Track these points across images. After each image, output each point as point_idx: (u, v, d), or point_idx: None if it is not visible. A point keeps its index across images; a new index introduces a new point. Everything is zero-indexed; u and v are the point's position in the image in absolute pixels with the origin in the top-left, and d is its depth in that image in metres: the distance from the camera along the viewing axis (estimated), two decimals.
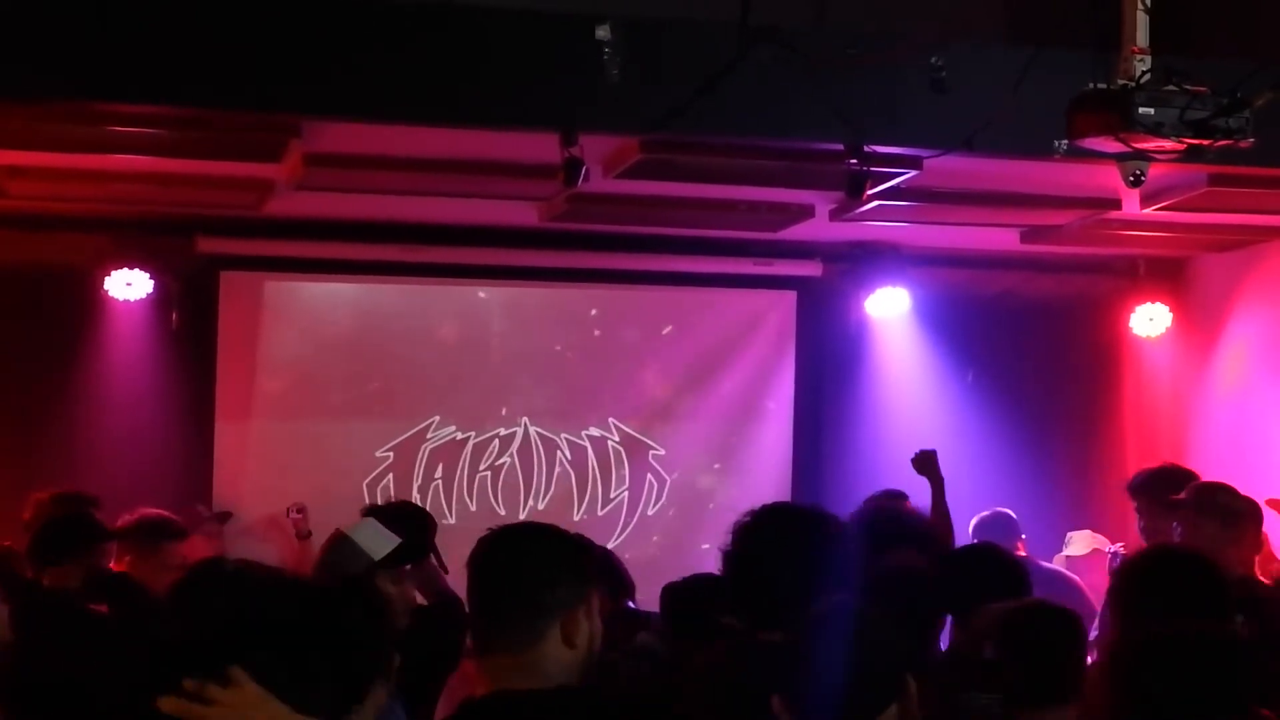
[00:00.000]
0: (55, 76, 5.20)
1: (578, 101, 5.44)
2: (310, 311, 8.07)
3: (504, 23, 5.52)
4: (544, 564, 2.90)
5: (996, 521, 7.00)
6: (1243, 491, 6.09)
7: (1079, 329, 8.82)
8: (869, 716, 2.90)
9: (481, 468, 8.25)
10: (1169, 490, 5.88)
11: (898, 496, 6.25)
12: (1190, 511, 5.54)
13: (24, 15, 5.11)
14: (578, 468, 8.36)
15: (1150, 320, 8.61)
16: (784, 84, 5.48)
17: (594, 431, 8.38)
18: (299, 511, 7.51)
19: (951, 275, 8.58)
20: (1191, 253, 8.49)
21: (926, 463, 6.34)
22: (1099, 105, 4.12)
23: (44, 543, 5.35)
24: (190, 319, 7.83)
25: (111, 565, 5.89)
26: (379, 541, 4.49)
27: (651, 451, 8.42)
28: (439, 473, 8.18)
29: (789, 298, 8.56)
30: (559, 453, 8.34)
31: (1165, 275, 8.67)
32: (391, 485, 8.07)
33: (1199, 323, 8.54)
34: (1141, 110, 4.01)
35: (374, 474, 8.07)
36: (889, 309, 8.46)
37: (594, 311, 8.45)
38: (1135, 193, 6.26)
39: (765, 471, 8.51)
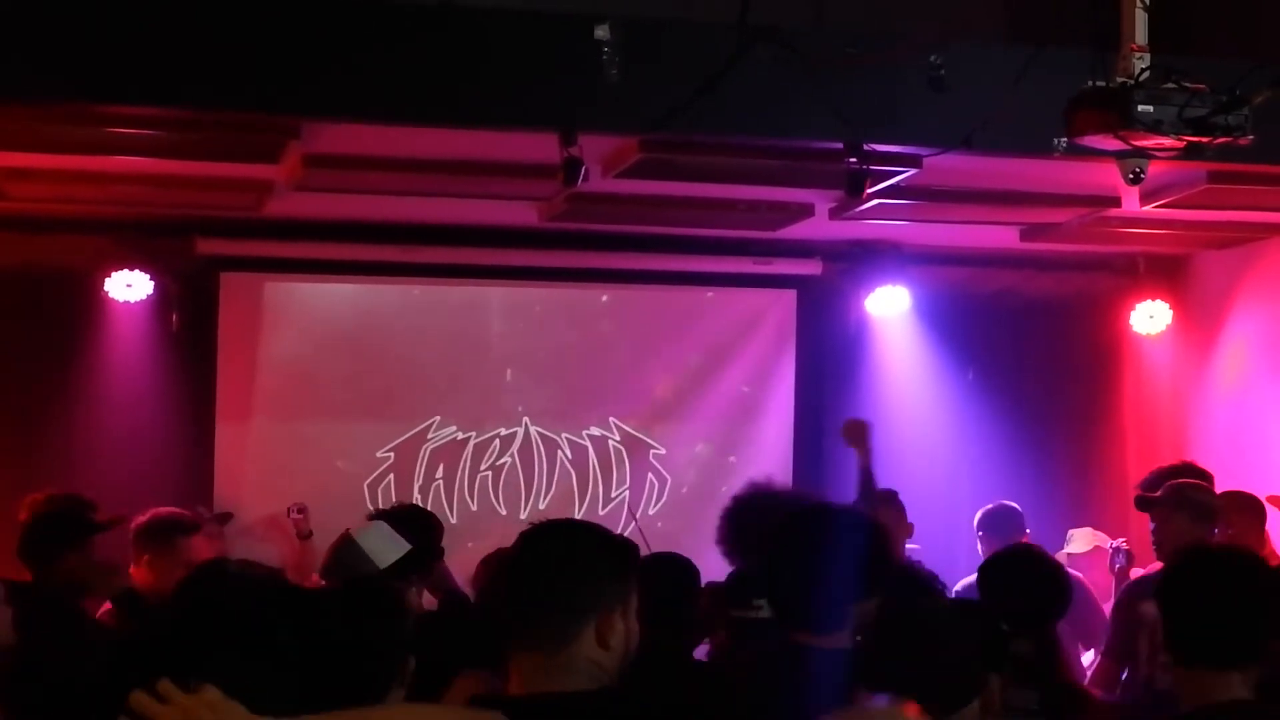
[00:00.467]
0: (55, 78, 5.20)
1: (577, 101, 5.44)
2: (310, 312, 8.07)
3: (503, 23, 5.52)
4: (581, 562, 2.85)
5: (1000, 514, 6.97)
6: (1243, 489, 6.11)
7: (1079, 327, 8.82)
8: (949, 713, 2.87)
9: (482, 468, 8.25)
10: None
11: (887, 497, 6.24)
12: (1162, 509, 5.59)
13: (23, 16, 5.11)
14: (578, 467, 8.35)
15: (1150, 318, 8.61)
16: (783, 83, 5.48)
17: (595, 431, 8.38)
18: (300, 512, 7.51)
19: (951, 273, 8.58)
20: (1191, 250, 8.49)
21: (855, 431, 6.32)
22: (1098, 103, 4.12)
23: (32, 541, 5.36)
24: (190, 320, 7.83)
25: (131, 569, 5.94)
26: (387, 547, 4.49)
27: (652, 451, 8.42)
28: (440, 473, 8.18)
29: (789, 296, 8.56)
30: (560, 452, 8.34)
31: (1165, 273, 8.67)
32: (392, 485, 8.07)
33: (1199, 320, 8.54)
34: (1141, 108, 4.01)
35: (375, 474, 8.07)
36: (889, 307, 8.46)
37: (594, 311, 8.45)
38: (1135, 190, 6.27)
39: (766, 470, 8.46)
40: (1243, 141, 4.10)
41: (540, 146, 5.58)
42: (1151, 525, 5.69)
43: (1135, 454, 8.67)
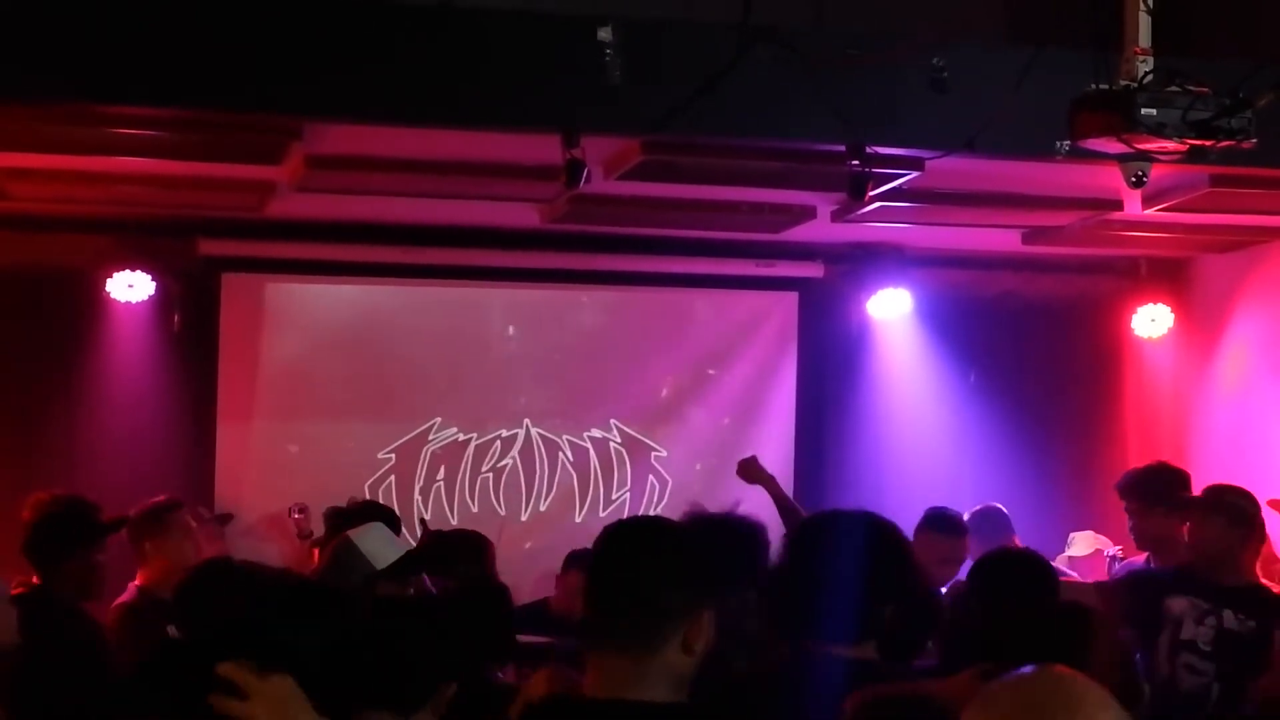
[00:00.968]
0: (57, 78, 5.20)
1: (579, 103, 5.44)
2: (311, 313, 8.07)
3: (505, 24, 5.52)
4: (676, 564, 2.73)
5: (987, 516, 6.91)
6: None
7: (1080, 330, 8.81)
8: None
9: (483, 469, 8.25)
10: (1159, 490, 5.90)
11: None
12: (1199, 510, 5.57)
13: (25, 17, 5.11)
14: (579, 469, 8.35)
15: (1152, 321, 8.60)
16: (785, 85, 5.48)
17: (596, 433, 8.38)
18: (300, 512, 7.51)
19: (953, 276, 8.58)
20: (1193, 253, 8.49)
21: (749, 470, 6.35)
22: (1101, 106, 4.12)
23: (40, 541, 5.35)
24: (192, 321, 7.83)
25: (140, 572, 5.96)
26: (386, 549, 4.48)
27: (653, 453, 8.42)
28: (441, 474, 8.18)
29: (790, 299, 8.56)
30: (561, 454, 8.34)
31: (1167, 276, 8.66)
32: (393, 486, 8.07)
33: (1200, 323, 8.54)
34: (1144, 111, 4.01)
35: (376, 475, 8.07)
36: (891, 310, 8.46)
37: (596, 313, 8.45)
38: (1137, 193, 6.26)
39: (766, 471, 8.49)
40: (1246, 145, 4.09)
41: (542, 148, 5.58)
42: (1186, 527, 5.67)
43: (1136, 457, 8.63)
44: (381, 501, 7.95)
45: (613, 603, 2.72)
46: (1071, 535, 7.78)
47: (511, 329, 8.30)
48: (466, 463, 8.21)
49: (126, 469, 7.52)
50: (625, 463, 8.39)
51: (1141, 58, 4.27)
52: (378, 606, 3.50)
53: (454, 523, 7.80)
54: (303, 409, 8.01)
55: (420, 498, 8.01)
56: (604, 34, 5.29)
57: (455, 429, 8.21)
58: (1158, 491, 5.90)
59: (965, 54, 5.57)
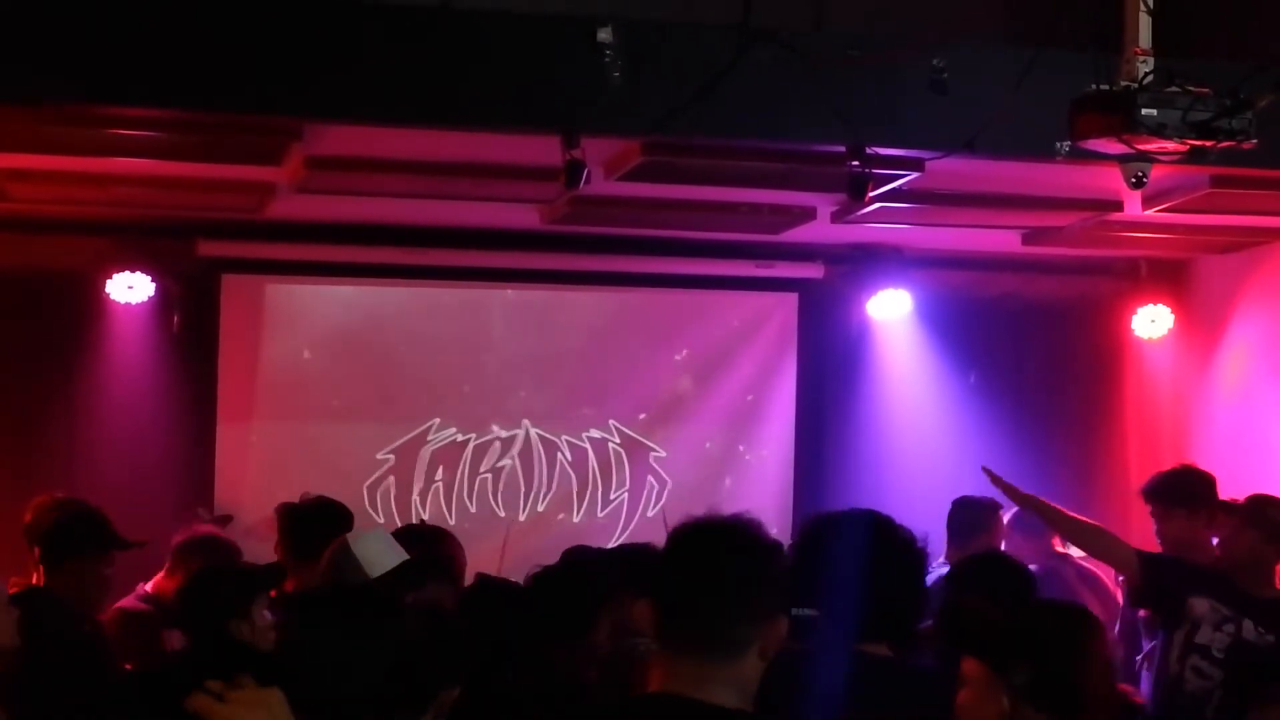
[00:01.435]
0: (57, 80, 5.20)
1: (579, 104, 5.44)
2: (311, 314, 8.07)
3: (505, 25, 5.52)
4: (757, 571, 2.68)
5: (1023, 512, 6.93)
6: (1244, 492, 6.09)
7: (1081, 331, 8.81)
8: None
9: (482, 469, 8.25)
10: (1180, 494, 5.90)
11: None
12: (1238, 519, 5.55)
13: (25, 18, 5.10)
14: (578, 469, 8.35)
15: (1152, 322, 8.60)
16: (785, 86, 5.48)
17: (594, 433, 8.38)
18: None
19: (953, 277, 8.58)
20: (1193, 254, 8.49)
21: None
22: (1101, 107, 4.12)
23: (48, 544, 5.34)
24: (191, 322, 7.83)
25: (162, 576, 6.01)
26: (383, 556, 4.45)
27: (652, 453, 8.42)
28: (439, 474, 8.18)
29: (790, 300, 8.56)
30: (559, 454, 8.34)
31: (1167, 277, 8.66)
32: (392, 487, 8.07)
33: (1201, 324, 8.54)
34: (1144, 112, 4.00)
35: (375, 476, 8.07)
36: (891, 311, 8.46)
37: (595, 313, 8.44)
38: (1137, 194, 6.25)
39: (767, 474, 8.51)
40: (1246, 146, 4.09)
41: (542, 149, 5.58)
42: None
43: (1137, 458, 8.66)
44: (380, 503, 8.00)
45: (700, 607, 2.64)
46: None
47: (510, 329, 8.30)
48: (465, 463, 8.21)
49: (126, 470, 7.52)
50: (624, 463, 8.39)
51: (1141, 58, 4.27)
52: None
53: (452, 523, 7.79)
54: (303, 410, 8.00)
55: (419, 498, 8.00)
56: (604, 35, 5.29)
57: (454, 429, 8.21)
58: (1178, 495, 5.89)
59: (965, 55, 5.57)
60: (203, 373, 7.86)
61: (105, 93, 5.30)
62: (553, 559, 6.96)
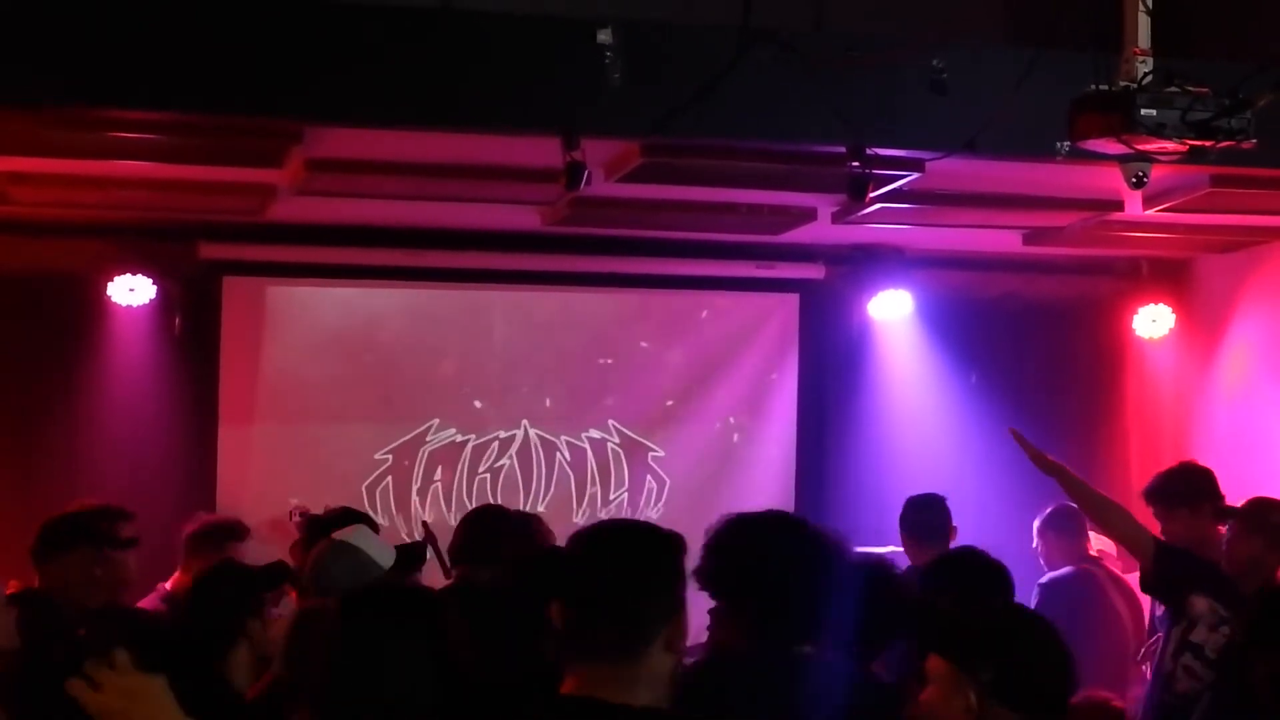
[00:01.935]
0: (57, 83, 5.20)
1: (579, 105, 5.44)
2: (312, 316, 8.07)
3: (505, 27, 5.53)
4: (651, 567, 2.74)
5: (1059, 513, 6.94)
6: (1245, 492, 6.09)
7: (1082, 330, 8.81)
8: None
9: (481, 470, 8.25)
10: (1180, 492, 5.88)
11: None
12: (1240, 524, 5.52)
13: (25, 21, 5.11)
14: (577, 470, 8.36)
15: (1153, 321, 8.60)
16: (785, 87, 5.49)
17: (594, 434, 8.39)
18: (301, 515, 7.50)
19: (954, 277, 8.58)
20: (1194, 254, 8.49)
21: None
22: (1101, 107, 4.12)
23: (38, 543, 5.34)
24: (193, 324, 7.84)
25: (178, 573, 6.00)
26: (383, 550, 4.47)
27: (651, 454, 8.42)
28: (438, 475, 8.18)
29: (791, 300, 8.56)
30: (558, 454, 8.35)
31: (1168, 276, 8.66)
32: (391, 488, 8.08)
33: (1202, 324, 8.54)
34: (1143, 111, 4.01)
35: (373, 476, 8.08)
36: (892, 311, 8.46)
37: (595, 314, 8.45)
38: (1137, 194, 6.25)
39: (768, 474, 8.50)
40: (1246, 145, 4.09)
41: (542, 150, 5.58)
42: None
43: (1138, 458, 8.66)
44: (379, 504, 8.00)
45: (597, 611, 2.71)
46: None
47: (511, 330, 8.30)
48: (464, 463, 8.22)
49: (128, 473, 7.52)
50: (623, 463, 8.39)
51: (1141, 58, 4.27)
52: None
53: (452, 524, 7.78)
54: (304, 412, 8.01)
55: (418, 499, 8.01)
56: (604, 36, 5.29)
57: (453, 430, 8.22)
58: (1178, 494, 5.86)
59: (965, 55, 5.58)
60: (204, 374, 7.86)
61: (106, 96, 5.30)
62: None
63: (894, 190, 6.31)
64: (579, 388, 8.37)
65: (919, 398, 8.62)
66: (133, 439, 7.73)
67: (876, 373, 8.66)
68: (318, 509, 7.41)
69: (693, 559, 4.66)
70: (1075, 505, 6.78)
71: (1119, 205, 7.06)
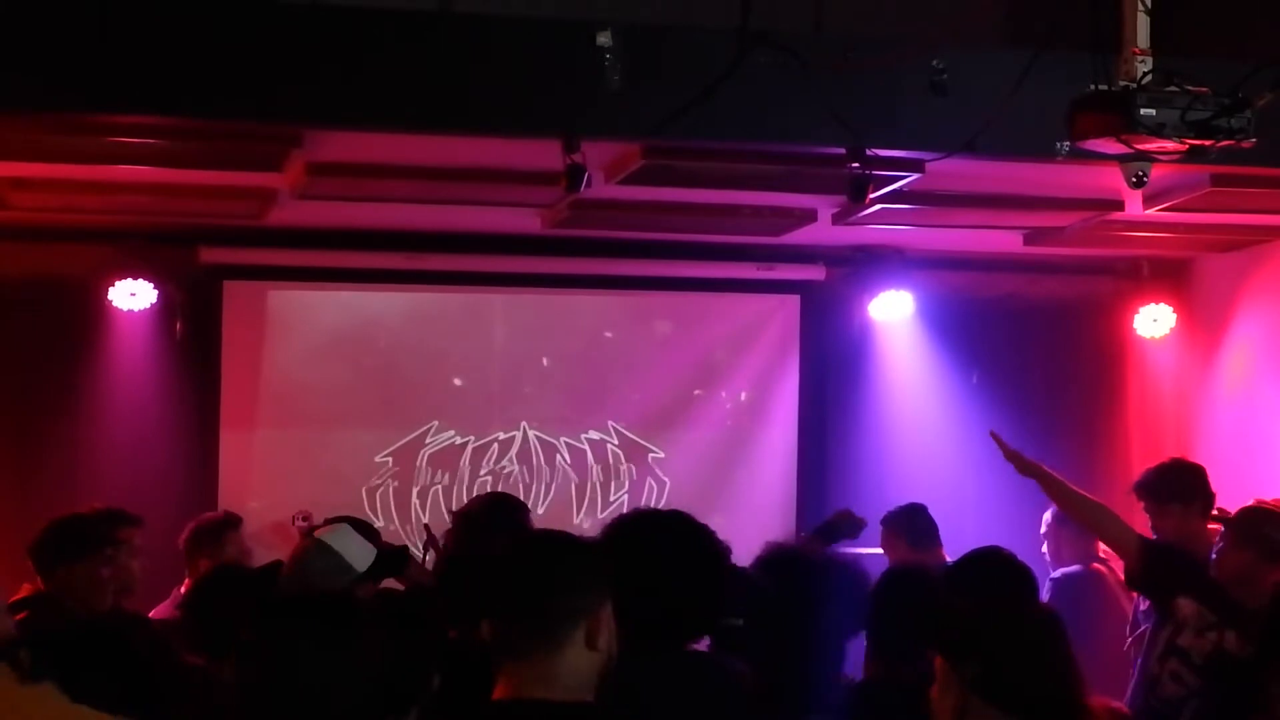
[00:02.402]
0: (57, 88, 5.20)
1: (579, 108, 5.44)
2: (313, 320, 8.08)
3: (505, 30, 5.53)
4: (568, 569, 2.92)
5: (1056, 515, 6.91)
6: (1247, 492, 6.08)
7: (1083, 330, 8.81)
8: None
9: (481, 472, 8.26)
10: (1171, 488, 5.86)
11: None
12: (1230, 534, 5.42)
13: (25, 27, 5.11)
14: (577, 471, 8.36)
15: (1154, 321, 8.60)
16: (785, 88, 5.48)
17: (594, 435, 8.39)
18: (304, 520, 7.50)
19: (955, 278, 8.58)
20: (1195, 253, 8.49)
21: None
22: (1100, 106, 4.12)
23: (39, 549, 5.34)
24: (194, 328, 7.84)
25: (188, 578, 6.06)
26: (362, 551, 4.43)
27: (651, 455, 8.43)
28: (438, 477, 8.19)
29: (792, 301, 8.56)
30: (558, 456, 8.35)
31: (1169, 276, 8.66)
32: (391, 491, 8.09)
33: (1203, 323, 8.54)
34: (1143, 111, 4.01)
35: (374, 479, 8.08)
36: (892, 312, 8.46)
37: (596, 316, 8.45)
38: (1138, 194, 6.26)
39: (770, 475, 8.51)
40: (1246, 144, 4.09)
41: (542, 153, 5.58)
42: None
43: (1139, 458, 8.63)
44: (380, 507, 8.01)
45: (518, 612, 2.89)
46: None
47: (511, 332, 8.31)
48: (464, 466, 8.22)
49: (129, 477, 7.52)
50: (623, 465, 8.39)
51: (1140, 58, 4.27)
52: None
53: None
54: (305, 415, 8.01)
55: (418, 501, 8.01)
56: (603, 39, 5.30)
57: (453, 432, 8.22)
58: (1169, 490, 5.81)
59: (965, 56, 5.58)
60: (205, 379, 7.87)
61: (106, 101, 5.30)
62: None
63: (894, 191, 6.31)
64: (579, 389, 8.37)
65: (920, 398, 8.62)
66: (134, 443, 7.74)
67: (878, 373, 8.66)
68: (319, 513, 7.45)
69: None
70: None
71: (1119, 205, 7.06)
